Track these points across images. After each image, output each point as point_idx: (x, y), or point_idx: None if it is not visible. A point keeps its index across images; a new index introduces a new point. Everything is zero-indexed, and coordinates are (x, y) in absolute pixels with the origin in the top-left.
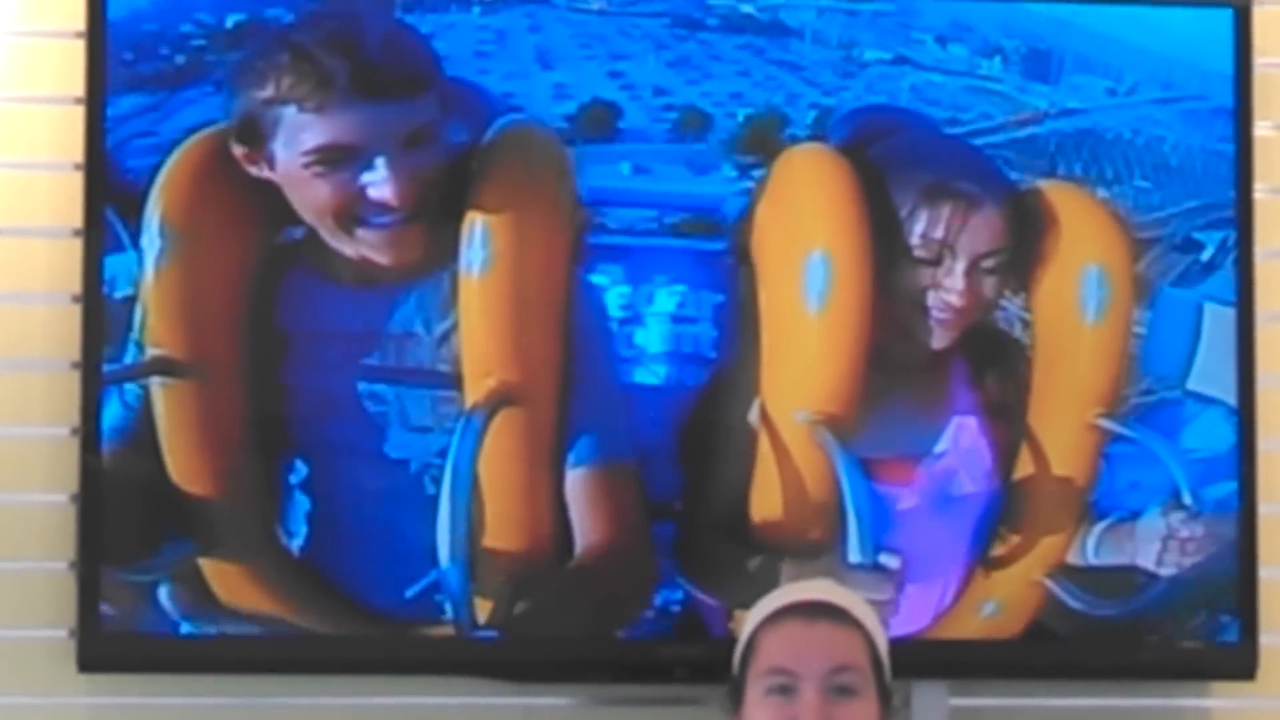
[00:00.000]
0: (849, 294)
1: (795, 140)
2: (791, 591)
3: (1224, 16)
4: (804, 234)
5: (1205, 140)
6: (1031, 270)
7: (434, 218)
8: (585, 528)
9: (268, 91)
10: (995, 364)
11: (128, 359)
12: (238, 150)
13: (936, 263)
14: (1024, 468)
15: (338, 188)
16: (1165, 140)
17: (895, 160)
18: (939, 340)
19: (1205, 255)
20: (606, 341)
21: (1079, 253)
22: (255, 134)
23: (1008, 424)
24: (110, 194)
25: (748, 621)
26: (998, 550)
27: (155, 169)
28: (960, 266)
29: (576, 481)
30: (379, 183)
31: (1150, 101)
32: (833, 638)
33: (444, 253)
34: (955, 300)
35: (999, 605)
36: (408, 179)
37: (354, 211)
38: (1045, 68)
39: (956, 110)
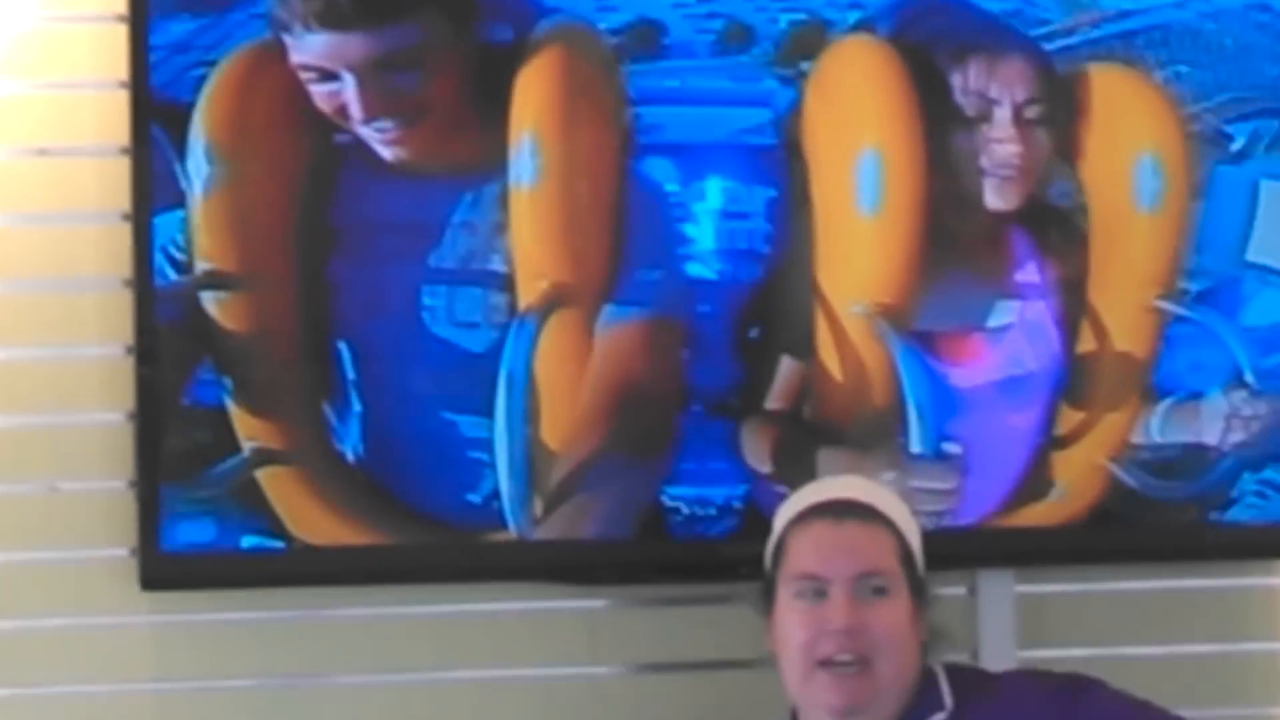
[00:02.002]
0: (904, 191)
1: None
2: (820, 489)
3: None
4: (854, 130)
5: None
6: (1081, 147)
7: (448, 121)
8: (618, 372)
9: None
10: (1053, 238)
11: (179, 275)
12: None
13: (984, 118)
14: (1086, 343)
15: (324, 98)
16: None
17: (935, 38)
18: (997, 201)
19: (1236, 145)
20: (662, 239)
21: (1131, 139)
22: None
23: (1068, 297)
24: (156, 110)
25: (777, 519)
26: (1060, 429)
27: (200, 83)
28: (1005, 114)
29: (615, 333)
30: (350, 99)
31: None
32: (860, 538)
33: (493, 150)
34: (1010, 151)
35: (1065, 488)
36: (378, 97)
37: (346, 116)
38: None
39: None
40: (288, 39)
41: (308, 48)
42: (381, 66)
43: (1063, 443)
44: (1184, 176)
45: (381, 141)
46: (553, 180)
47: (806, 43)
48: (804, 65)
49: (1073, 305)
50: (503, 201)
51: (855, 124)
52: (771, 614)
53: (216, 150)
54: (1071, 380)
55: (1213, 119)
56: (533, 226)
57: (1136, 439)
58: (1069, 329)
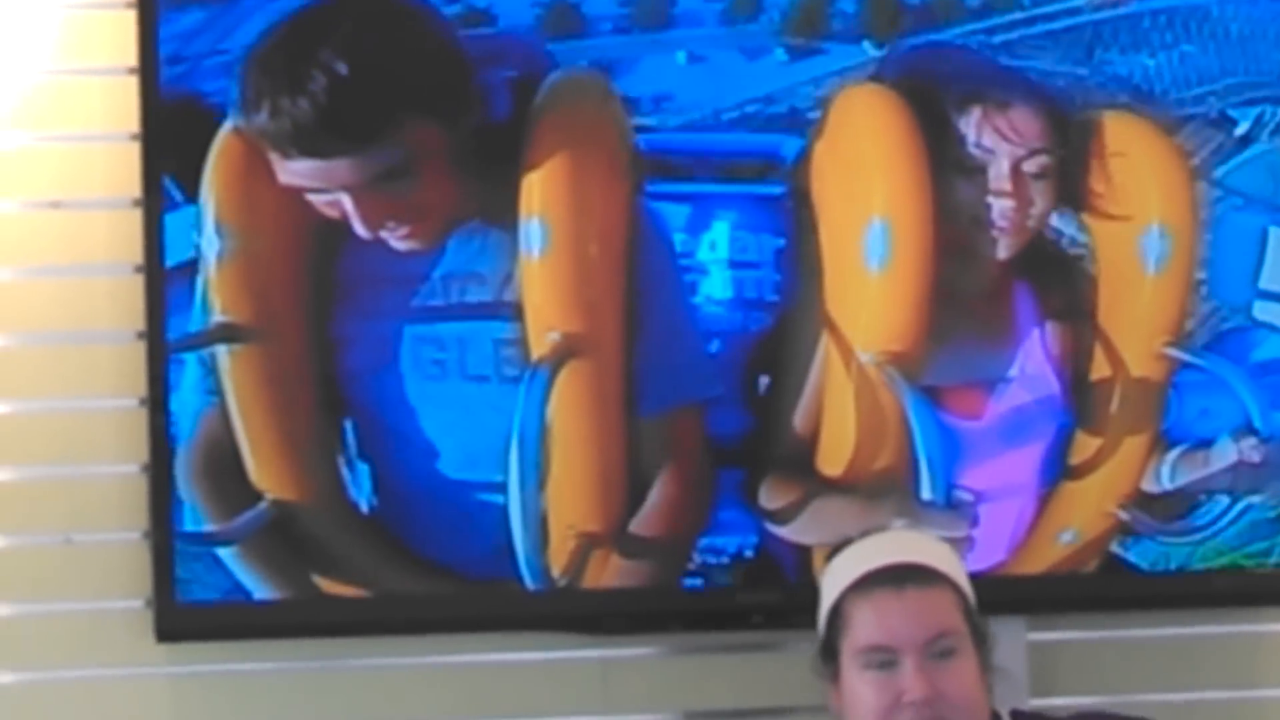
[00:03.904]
0: (912, 254)
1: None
2: (872, 551)
3: None
4: (862, 194)
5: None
6: (1087, 196)
7: (453, 208)
8: (654, 476)
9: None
10: (1059, 284)
11: (192, 327)
12: None
13: (984, 170)
14: (1101, 370)
15: (325, 207)
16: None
17: (944, 84)
18: (1002, 250)
19: (1240, 130)
20: (672, 288)
21: (1140, 206)
22: None
23: (1077, 334)
24: (168, 163)
25: (829, 582)
26: (1076, 458)
27: (211, 137)
28: (1005, 167)
29: (647, 430)
30: (349, 213)
31: None
32: (924, 604)
33: (504, 206)
34: (1008, 205)
35: (1076, 534)
36: (377, 209)
37: (349, 223)
38: None
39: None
40: (273, 159)
41: (294, 172)
42: (375, 182)
43: (1078, 472)
44: (1191, 228)
45: (393, 239)
46: (562, 249)
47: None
48: (812, 115)
49: (1083, 338)
50: (513, 251)
51: (863, 185)
52: (835, 680)
53: (227, 197)
54: (1087, 407)
55: (1217, 103)
56: (543, 291)
57: (1147, 486)
58: (1082, 357)
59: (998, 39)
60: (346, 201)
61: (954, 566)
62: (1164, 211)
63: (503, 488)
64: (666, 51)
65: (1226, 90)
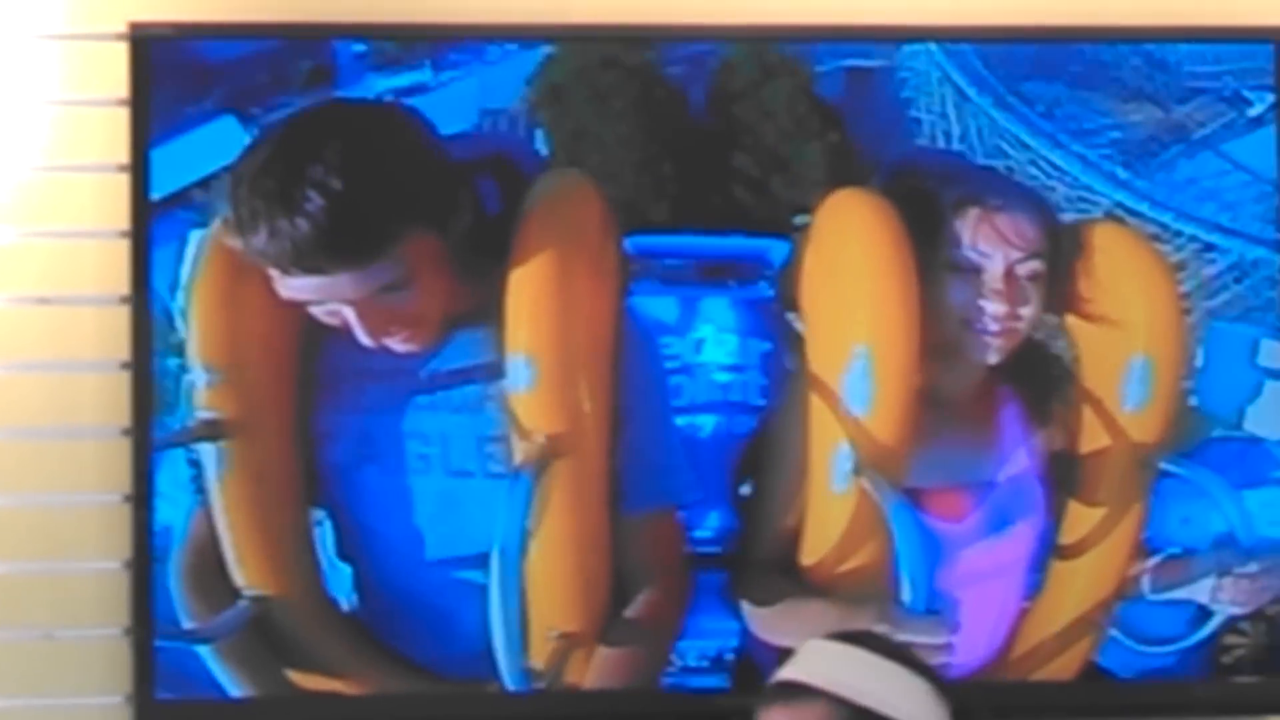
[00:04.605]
0: (894, 379)
1: None
2: (786, 664)
3: None
4: (848, 309)
5: None
6: (1076, 301)
7: (448, 310)
8: (636, 577)
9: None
10: (1046, 386)
11: (177, 424)
12: None
13: (978, 271)
14: (1096, 439)
15: (327, 315)
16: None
17: (936, 188)
18: (992, 355)
19: (1253, 112)
20: (657, 390)
21: (1126, 331)
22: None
23: (1063, 430)
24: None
25: None
26: (1069, 537)
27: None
28: (999, 270)
29: (628, 530)
30: (352, 324)
31: None
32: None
33: (493, 302)
34: (1000, 308)
35: (1055, 639)
36: (380, 320)
37: (352, 333)
38: None
39: None
40: (273, 274)
41: (295, 288)
42: (377, 294)
43: (1070, 552)
44: (1178, 352)
45: (394, 343)
46: (548, 382)
47: None
48: (798, 219)
49: (1070, 423)
50: (498, 345)
51: (849, 300)
52: None
53: (214, 366)
54: (1077, 481)
55: (1233, 82)
56: (528, 410)
57: (1127, 593)
58: (1070, 441)
59: None
60: (349, 314)
61: (850, 679)
62: (1149, 341)
63: (483, 588)
64: None
65: (1244, 72)
